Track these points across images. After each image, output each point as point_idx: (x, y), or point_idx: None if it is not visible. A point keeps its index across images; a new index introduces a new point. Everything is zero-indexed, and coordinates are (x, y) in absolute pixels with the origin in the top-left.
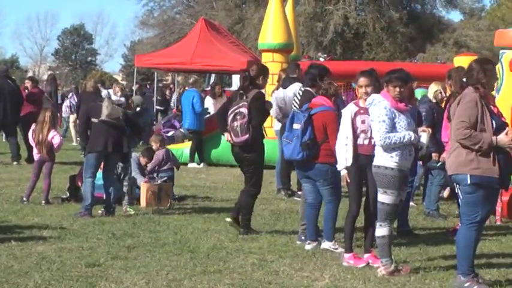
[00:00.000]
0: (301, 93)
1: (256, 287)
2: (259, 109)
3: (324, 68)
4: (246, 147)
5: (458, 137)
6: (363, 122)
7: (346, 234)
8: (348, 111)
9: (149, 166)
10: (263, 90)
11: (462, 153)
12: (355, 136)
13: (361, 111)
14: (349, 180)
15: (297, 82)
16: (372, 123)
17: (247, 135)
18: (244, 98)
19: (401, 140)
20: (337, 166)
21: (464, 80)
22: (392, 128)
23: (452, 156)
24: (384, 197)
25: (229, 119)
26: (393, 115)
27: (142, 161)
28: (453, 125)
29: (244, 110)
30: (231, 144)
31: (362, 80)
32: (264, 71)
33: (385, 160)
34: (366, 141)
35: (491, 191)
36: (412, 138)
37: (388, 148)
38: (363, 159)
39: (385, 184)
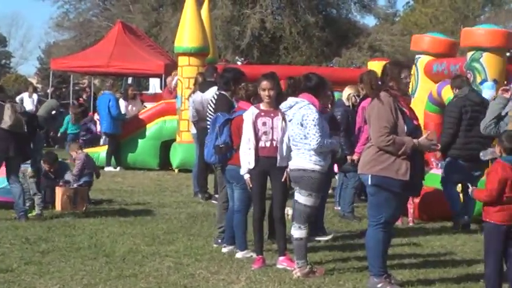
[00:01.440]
0: (215, 97)
1: None
2: None
3: (238, 71)
4: None
5: (381, 144)
6: (264, 124)
7: (255, 238)
8: (249, 114)
9: (74, 170)
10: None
11: (369, 153)
12: (257, 139)
13: (262, 113)
14: (251, 185)
15: (215, 86)
16: (304, 127)
17: None
18: None
19: (331, 145)
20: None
21: (379, 83)
22: None
23: (362, 156)
24: (308, 200)
25: None
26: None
27: (45, 166)
28: (373, 130)
29: None
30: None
31: (265, 84)
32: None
33: (313, 164)
34: (268, 144)
35: (394, 194)
36: (336, 143)
37: (318, 152)
38: (265, 161)
39: (311, 187)
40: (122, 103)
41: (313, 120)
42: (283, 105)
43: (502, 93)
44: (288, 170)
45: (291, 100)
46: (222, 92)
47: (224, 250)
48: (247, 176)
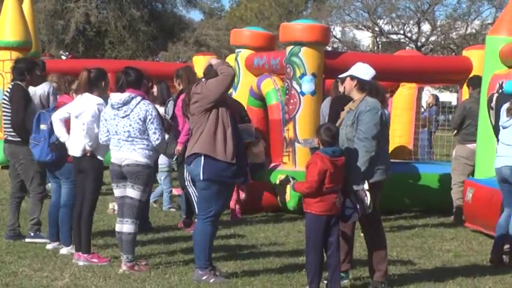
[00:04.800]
0: (11, 88)
1: None
2: None
3: (30, 61)
4: None
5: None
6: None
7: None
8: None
9: None
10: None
11: (195, 136)
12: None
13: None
14: None
15: (46, 80)
16: (144, 122)
17: None
18: None
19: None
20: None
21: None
22: None
23: (190, 140)
24: (141, 194)
25: None
26: None
27: None
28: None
29: None
30: None
31: None
32: None
33: (148, 159)
34: None
35: (225, 186)
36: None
37: (158, 147)
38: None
39: (145, 182)
40: None
41: (155, 117)
42: (114, 101)
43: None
44: (122, 164)
45: (122, 95)
46: (18, 82)
47: (48, 247)
48: None
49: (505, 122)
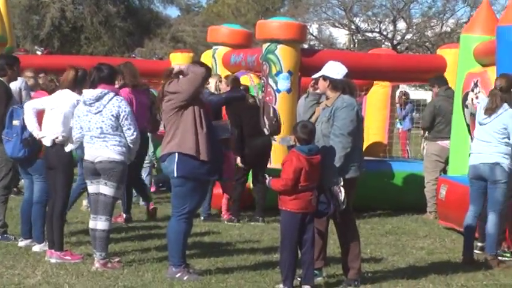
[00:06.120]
0: None
1: None
2: None
3: (11, 57)
4: None
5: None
6: None
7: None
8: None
9: None
10: None
11: (169, 134)
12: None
13: None
14: None
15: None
16: (118, 119)
17: None
18: None
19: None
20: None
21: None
22: None
23: (164, 138)
24: (115, 191)
25: None
26: None
27: None
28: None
29: None
30: None
31: None
32: None
33: (122, 156)
34: None
35: (199, 183)
36: None
37: (132, 143)
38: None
39: (120, 179)
40: None
41: (129, 113)
42: (87, 97)
43: (312, 90)
44: (95, 161)
45: (94, 92)
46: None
47: (21, 244)
48: None
49: (483, 120)
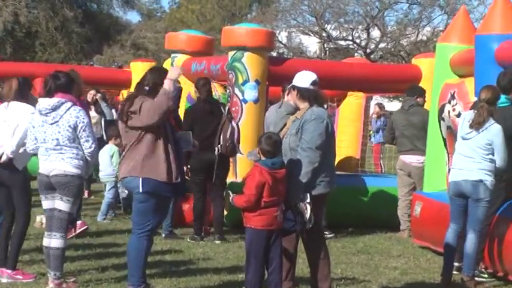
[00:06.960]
0: None
1: None
2: None
3: None
4: None
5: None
6: None
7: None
8: None
9: None
10: None
11: (135, 157)
12: None
13: None
14: None
15: None
16: (75, 130)
17: None
18: None
19: None
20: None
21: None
22: None
23: (125, 159)
24: (71, 207)
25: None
26: None
27: None
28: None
29: None
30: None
31: None
32: None
33: (78, 169)
34: None
35: (163, 199)
36: None
37: (89, 156)
38: None
39: (75, 193)
40: None
41: (86, 123)
42: (43, 106)
43: (287, 100)
44: (50, 175)
45: (50, 101)
46: None
47: None
48: None
49: (466, 134)
